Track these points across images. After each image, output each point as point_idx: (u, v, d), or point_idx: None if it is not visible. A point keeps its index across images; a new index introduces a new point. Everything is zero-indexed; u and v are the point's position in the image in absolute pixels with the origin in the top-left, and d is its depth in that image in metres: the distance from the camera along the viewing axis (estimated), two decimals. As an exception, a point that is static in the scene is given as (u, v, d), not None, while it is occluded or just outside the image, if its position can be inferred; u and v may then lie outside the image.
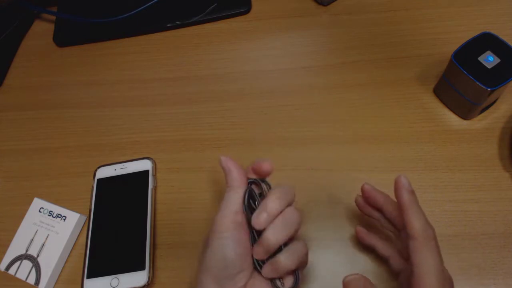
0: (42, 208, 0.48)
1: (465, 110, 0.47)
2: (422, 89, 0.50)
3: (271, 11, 0.60)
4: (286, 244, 0.33)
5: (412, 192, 0.33)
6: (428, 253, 0.30)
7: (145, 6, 0.59)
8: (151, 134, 0.53)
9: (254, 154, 0.49)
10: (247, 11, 0.60)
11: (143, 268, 0.43)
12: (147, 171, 0.48)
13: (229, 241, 0.32)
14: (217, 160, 0.49)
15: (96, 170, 0.50)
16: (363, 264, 0.41)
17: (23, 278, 0.44)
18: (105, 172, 0.49)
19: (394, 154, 0.47)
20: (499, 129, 0.47)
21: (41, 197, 0.49)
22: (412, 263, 0.31)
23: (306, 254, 0.34)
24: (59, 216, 0.47)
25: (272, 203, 0.32)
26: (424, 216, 0.32)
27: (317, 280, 0.41)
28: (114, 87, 0.57)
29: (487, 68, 0.43)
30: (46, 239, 0.46)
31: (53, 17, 0.65)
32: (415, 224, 0.31)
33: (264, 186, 0.35)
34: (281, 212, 0.33)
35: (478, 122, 0.48)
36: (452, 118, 0.48)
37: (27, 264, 0.45)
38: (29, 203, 0.48)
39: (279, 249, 0.33)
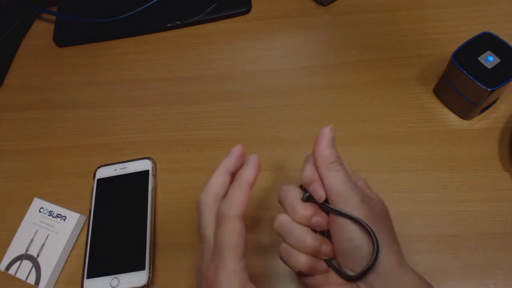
0: (42, 208, 0.48)
1: (465, 110, 0.47)
2: (422, 89, 0.50)
3: (271, 11, 0.60)
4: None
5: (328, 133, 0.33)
6: (332, 173, 0.31)
7: (145, 6, 0.59)
8: (151, 134, 0.53)
9: (254, 154, 0.49)
10: (247, 11, 0.60)
11: (143, 268, 0.43)
12: (147, 171, 0.48)
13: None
14: (217, 160, 0.49)
15: (96, 170, 0.50)
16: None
17: (23, 278, 0.44)
18: (105, 172, 0.49)
19: (394, 154, 0.47)
20: (499, 129, 0.47)
21: (41, 197, 0.49)
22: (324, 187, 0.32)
23: None
24: (59, 216, 0.47)
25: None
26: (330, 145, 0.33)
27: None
28: (114, 87, 0.57)
29: (487, 68, 0.43)
30: (46, 239, 0.46)
31: (53, 17, 0.65)
32: (321, 153, 0.32)
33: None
34: None
35: (478, 122, 0.48)
36: (452, 118, 0.48)
37: (27, 264, 0.45)
38: (29, 203, 0.48)
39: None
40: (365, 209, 0.30)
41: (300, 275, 0.33)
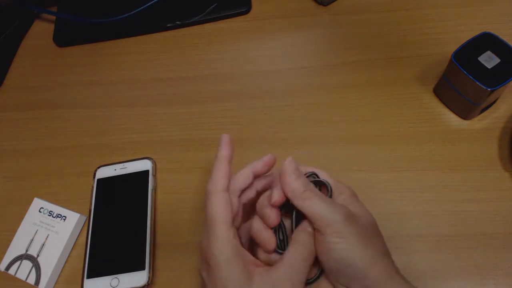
0: (42, 208, 0.48)
1: (465, 110, 0.47)
2: (422, 89, 0.50)
3: (271, 11, 0.60)
4: None
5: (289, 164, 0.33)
6: (307, 202, 0.32)
7: (145, 6, 0.59)
8: (151, 134, 0.53)
9: (254, 154, 0.49)
10: (247, 11, 0.60)
11: (143, 268, 0.43)
12: (147, 171, 0.48)
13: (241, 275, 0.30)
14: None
15: (96, 170, 0.50)
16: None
17: (23, 278, 0.44)
18: (105, 172, 0.49)
19: (394, 154, 0.47)
20: (499, 129, 0.47)
21: (41, 197, 0.49)
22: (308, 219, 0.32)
23: None
24: (59, 216, 0.47)
25: None
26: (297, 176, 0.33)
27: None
28: (114, 87, 0.57)
29: (487, 68, 0.43)
30: (46, 239, 0.46)
31: (53, 17, 0.65)
32: (289, 188, 0.32)
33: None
34: None
35: (478, 122, 0.48)
36: (452, 118, 0.48)
37: (27, 264, 0.45)
38: (29, 203, 0.48)
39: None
40: (351, 228, 0.31)
41: None
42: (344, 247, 0.30)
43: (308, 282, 0.32)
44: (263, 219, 0.34)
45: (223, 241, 0.30)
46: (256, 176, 0.36)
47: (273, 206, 0.33)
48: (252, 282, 0.30)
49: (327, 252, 0.31)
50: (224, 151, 0.35)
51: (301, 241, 0.32)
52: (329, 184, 0.34)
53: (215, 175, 0.33)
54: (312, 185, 0.33)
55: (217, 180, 0.33)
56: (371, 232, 0.32)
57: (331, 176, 0.36)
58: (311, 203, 0.31)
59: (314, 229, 0.32)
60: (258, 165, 0.36)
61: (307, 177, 0.35)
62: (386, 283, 0.30)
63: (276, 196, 0.33)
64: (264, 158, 0.36)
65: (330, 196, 0.34)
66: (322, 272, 0.33)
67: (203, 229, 0.33)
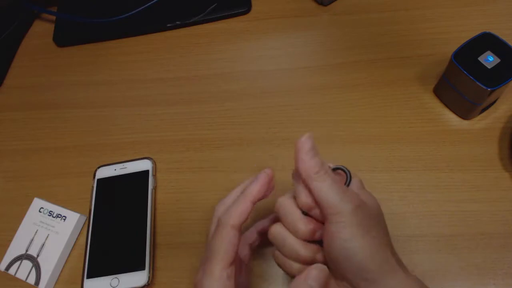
0: (42, 208, 0.48)
1: (465, 110, 0.47)
2: (422, 89, 0.50)
3: (271, 11, 0.60)
4: None
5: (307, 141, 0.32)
6: (319, 184, 0.30)
7: (145, 6, 0.59)
8: (151, 134, 0.53)
9: (254, 154, 0.49)
10: (247, 11, 0.60)
11: (143, 268, 0.43)
12: (147, 171, 0.48)
13: None
14: (217, 160, 0.49)
15: (96, 170, 0.50)
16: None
17: (23, 278, 0.44)
18: (105, 172, 0.49)
19: (394, 154, 0.47)
20: (499, 129, 0.47)
21: (41, 197, 0.49)
22: (316, 201, 0.31)
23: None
24: (59, 216, 0.47)
25: None
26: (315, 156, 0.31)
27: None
28: (114, 87, 0.57)
29: (487, 68, 0.43)
30: (46, 239, 0.46)
31: (53, 17, 0.65)
32: (302, 165, 0.31)
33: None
34: None
35: (478, 122, 0.48)
36: (452, 118, 0.48)
37: (27, 264, 0.45)
38: (29, 203, 0.48)
39: None
40: (358, 217, 0.30)
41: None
42: (347, 237, 0.29)
43: None
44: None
45: (217, 279, 0.30)
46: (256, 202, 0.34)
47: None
48: None
49: (330, 241, 0.30)
50: (256, 188, 0.33)
51: None
52: (348, 172, 0.33)
53: (234, 209, 0.32)
54: (328, 168, 0.31)
55: (235, 215, 0.31)
56: (377, 222, 0.31)
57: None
58: (322, 185, 0.30)
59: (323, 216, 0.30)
60: (254, 189, 0.33)
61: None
62: (387, 276, 0.29)
63: (303, 197, 0.31)
64: (259, 180, 0.33)
65: (348, 185, 0.32)
66: None
67: (203, 260, 0.32)
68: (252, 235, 0.38)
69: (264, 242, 0.37)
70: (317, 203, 0.31)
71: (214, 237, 0.31)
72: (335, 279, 0.31)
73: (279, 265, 0.34)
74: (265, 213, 0.40)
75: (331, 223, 0.30)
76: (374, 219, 0.31)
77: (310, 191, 0.31)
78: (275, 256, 0.34)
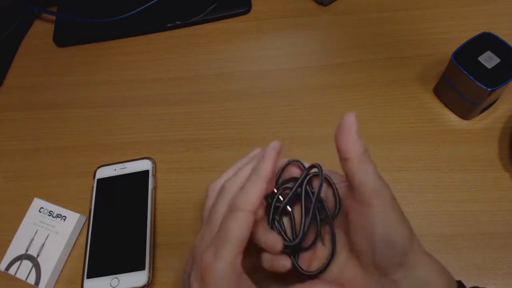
0: (42, 208, 0.48)
1: (465, 110, 0.47)
2: (422, 89, 0.51)
3: (271, 11, 0.60)
4: None
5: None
6: (364, 166, 0.29)
7: (145, 6, 0.59)
8: (151, 134, 0.53)
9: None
10: (247, 11, 0.60)
11: (143, 268, 0.43)
12: (147, 171, 0.48)
13: None
14: (217, 160, 0.49)
15: (96, 170, 0.50)
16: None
17: (23, 278, 0.44)
18: (105, 172, 0.49)
19: (394, 154, 0.47)
20: (499, 129, 0.47)
21: (41, 197, 0.49)
22: (352, 184, 0.30)
23: None
24: (59, 216, 0.47)
25: None
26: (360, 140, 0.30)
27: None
28: (114, 87, 0.57)
29: (487, 68, 0.43)
30: (46, 239, 0.46)
31: (53, 17, 0.65)
32: (352, 146, 0.30)
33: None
34: None
35: (478, 122, 0.48)
36: (452, 118, 0.48)
37: (27, 264, 0.45)
38: (29, 203, 0.48)
39: None
40: (396, 201, 0.29)
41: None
42: (392, 220, 0.28)
43: (312, 274, 0.31)
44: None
45: (230, 264, 0.29)
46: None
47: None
48: None
49: (370, 227, 0.28)
50: (267, 164, 0.30)
51: None
52: (321, 169, 0.33)
53: (249, 192, 0.30)
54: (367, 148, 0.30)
55: (251, 198, 0.29)
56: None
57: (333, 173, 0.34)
58: (368, 167, 0.29)
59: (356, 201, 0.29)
60: (267, 169, 0.31)
61: (288, 164, 0.34)
62: (424, 259, 0.29)
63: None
64: (270, 157, 0.31)
65: (320, 184, 0.32)
66: (329, 263, 0.31)
67: (206, 232, 0.31)
68: None
69: None
70: (353, 185, 0.30)
71: (229, 220, 0.30)
72: (365, 273, 0.30)
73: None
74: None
75: (371, 206, 0.29)
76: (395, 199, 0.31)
77: (347, 173, 0.30)
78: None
